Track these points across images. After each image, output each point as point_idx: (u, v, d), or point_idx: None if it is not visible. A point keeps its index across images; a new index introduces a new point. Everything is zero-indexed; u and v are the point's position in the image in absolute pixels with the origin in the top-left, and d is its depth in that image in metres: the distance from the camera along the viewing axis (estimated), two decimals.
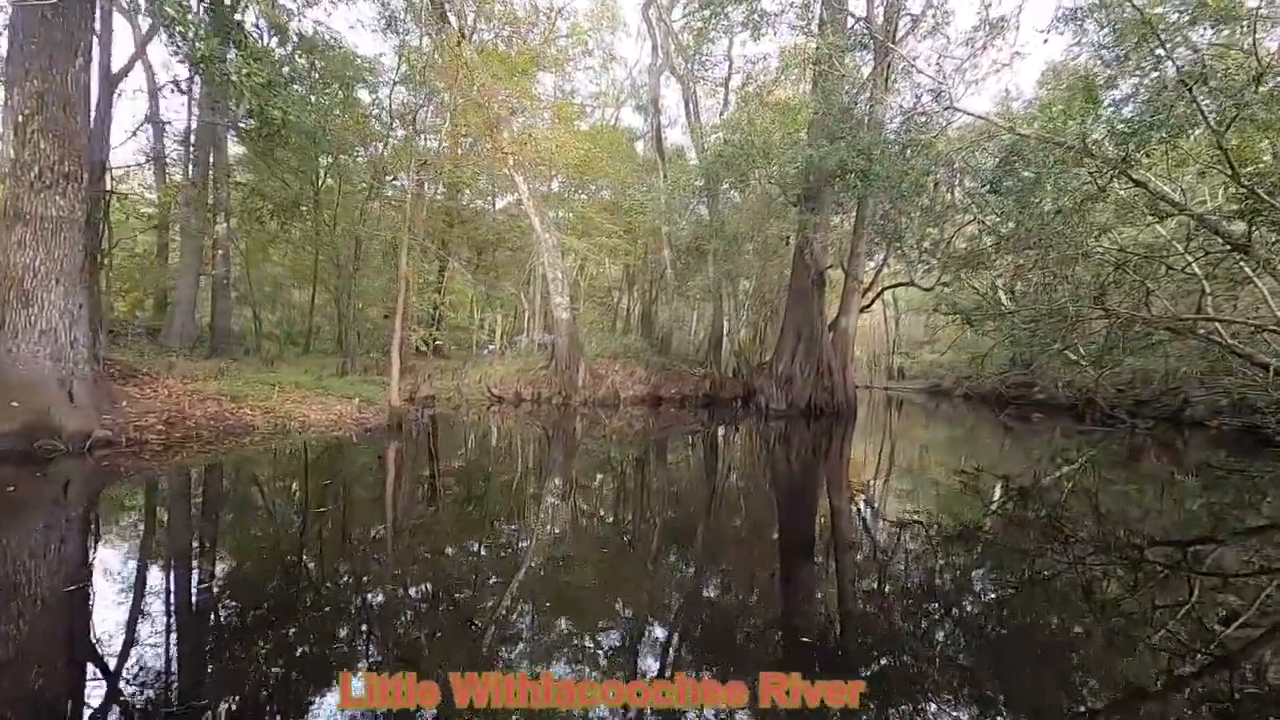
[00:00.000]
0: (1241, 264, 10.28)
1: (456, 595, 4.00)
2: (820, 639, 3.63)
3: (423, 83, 19.06)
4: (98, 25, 15.23)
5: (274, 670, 2.93)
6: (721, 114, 21.58)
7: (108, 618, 3.37)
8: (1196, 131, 9.42)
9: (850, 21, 15.37)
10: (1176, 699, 2.99)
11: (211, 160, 15.04)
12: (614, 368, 18.35)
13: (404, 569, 4.35)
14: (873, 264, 21.31)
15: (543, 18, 23.13)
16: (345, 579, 4.15)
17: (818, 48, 14.05)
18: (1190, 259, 10.78)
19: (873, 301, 22.18)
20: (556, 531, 5.54)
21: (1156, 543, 5.84)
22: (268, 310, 29.28)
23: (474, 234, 27.59)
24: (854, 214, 17.58)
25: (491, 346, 25.96)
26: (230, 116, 13.60)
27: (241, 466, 7.41)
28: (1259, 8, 8.73)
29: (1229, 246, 9.55)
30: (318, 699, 2.74)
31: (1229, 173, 8.32)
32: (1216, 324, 10.63)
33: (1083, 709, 2.94)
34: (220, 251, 15.12)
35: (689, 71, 20.91)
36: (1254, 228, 9.02)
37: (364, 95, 21.08)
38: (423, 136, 22.60)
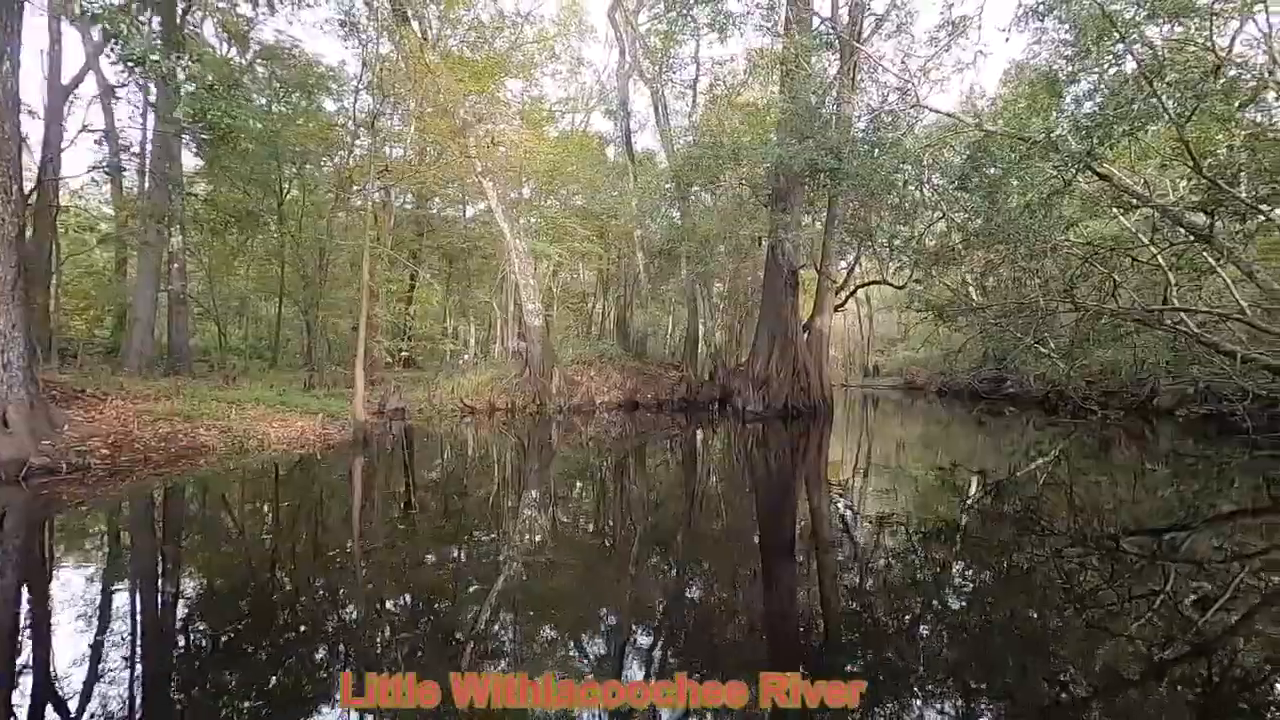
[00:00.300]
0: (1204, 254, 10.45)
1: (434, 610, 3.77)
2: (814, 637, 3.68)
3: (383, 88, 18.75)
4: (47, 36, 14.78)
5: (245, 706, 2.74)
6: (690, 116, 21.52)
7: (64, 654, 3.13)
8: (1154, 127, 9.55)
9: (816, 21, 15.42)
10: (1158, 687, 3.00)
11: (167, 171, 14.53)
12: (589, 374, 18.12)
13: (369, 592, 4.09)
14: (845, 263, 21.41)
15: (509, 23, 22.94)
16: (304, 603, 3.89)
17: (784, 47, 14.06)
18: (1154, 250, 10.92)
19: (846, 300, 22.25)
20: (534, 544, 5.30)
21: (1131, 532, 5.88)
22: (234, 325, 28.58)
23: (445, 242, 27.18)
24: (825, 214, 17.62)
25: (466, 356, 25.56)
26: (180, 123, 13.16)
27: (195, 489, 7.02)
28: (1213, 2, 8.86)
29: (1192, 237, 9.68)
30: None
31: (1191, 164, 8.41)
32: (1183, 314, 10.78)
33: (1068, 698, 2.95)
34: (176, 265, 14.56)
35: (657, 74, 20.83)
36: (1216, 218, 9.15)
37: (329, 104, 20.68)
38: (389, 145, 22.27)
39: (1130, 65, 9.93)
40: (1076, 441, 12.08)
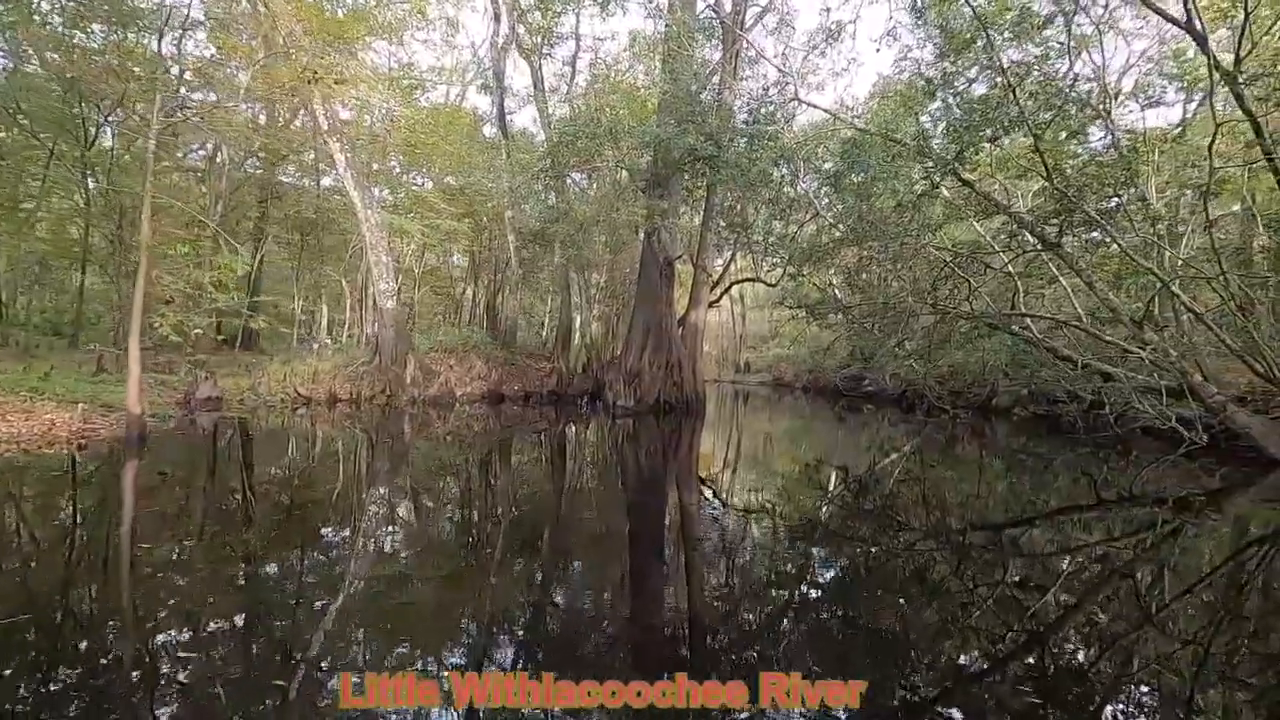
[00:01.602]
0: (1050, 264, 11.17)
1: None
2: (684, 633, 3.56)
3: (211, 24, 16.31)
4: None
5: None
6: (569, 93, 20.59)
7: None
8: (1013, 136, 10.03)
9: (700, 5, 15.08)
10: (1003, 671, 3.17)
11: None
12: (449, 362, 16.66)
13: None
14: (721, 260, 21.46)
15: None
16: None
17: (668, 26, 13.55)
18: (1006, 259, 11.57)
19: (721, 296, 22.38)
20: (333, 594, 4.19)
21: (977, 527, 6.08)
22: (28, 295, 24.01)
23: (294, 213, 24.33)
24: (703, 205, 17.40)
25: (324, 340, 23.05)
26: None
27: None
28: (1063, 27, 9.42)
29: (1040, 246, 10.25)
30: None
31: (1044, 173, 8.82)
32: (1029, 319, 11.48)
33: (924, 682, 3.08)
34: None
35: (536, 47, 19.68)
36: (1066, 230, 9.73)
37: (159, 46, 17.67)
38: (233, 99, 19.47)
39: (983, 84, 10.50)
40: (927, 438, 12.61)
